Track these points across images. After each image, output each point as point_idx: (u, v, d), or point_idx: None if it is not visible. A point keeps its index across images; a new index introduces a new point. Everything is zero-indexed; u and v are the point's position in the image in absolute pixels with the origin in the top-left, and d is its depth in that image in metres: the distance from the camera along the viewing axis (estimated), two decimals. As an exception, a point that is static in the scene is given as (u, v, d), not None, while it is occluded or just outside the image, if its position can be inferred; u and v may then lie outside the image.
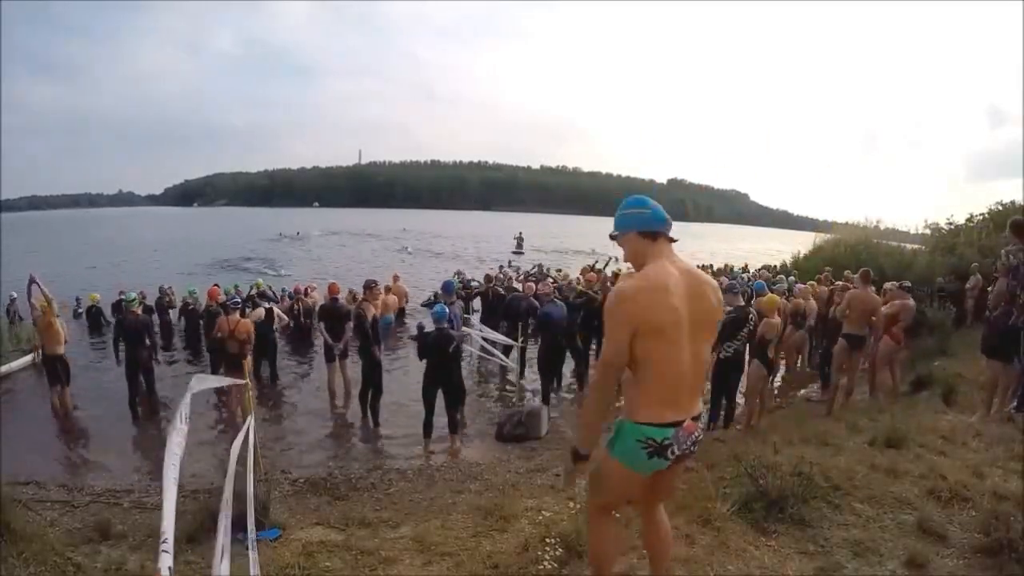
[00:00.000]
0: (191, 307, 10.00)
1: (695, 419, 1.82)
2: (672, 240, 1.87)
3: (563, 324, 7.15)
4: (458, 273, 14.18)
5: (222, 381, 4.07)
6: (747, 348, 5.79)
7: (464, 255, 32.35)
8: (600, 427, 1.89)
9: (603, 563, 2.09)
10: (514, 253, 30.39)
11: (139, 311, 7.31)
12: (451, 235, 47.64)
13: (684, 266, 1.83)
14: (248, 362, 6.27)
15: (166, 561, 1.20)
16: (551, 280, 13.02)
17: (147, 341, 6.99)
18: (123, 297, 10.05)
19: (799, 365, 8.70)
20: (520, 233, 34.33)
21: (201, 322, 9.91)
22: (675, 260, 1.83)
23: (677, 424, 1.77)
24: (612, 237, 1.90)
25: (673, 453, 1.78)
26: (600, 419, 1.86)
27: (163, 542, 1.22)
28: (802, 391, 7.91)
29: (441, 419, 5.94)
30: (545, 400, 7.01)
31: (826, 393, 7.08)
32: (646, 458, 1.78)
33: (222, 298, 8.34)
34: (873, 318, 6.07)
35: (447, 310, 5.90)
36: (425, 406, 5.83)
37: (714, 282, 1.90)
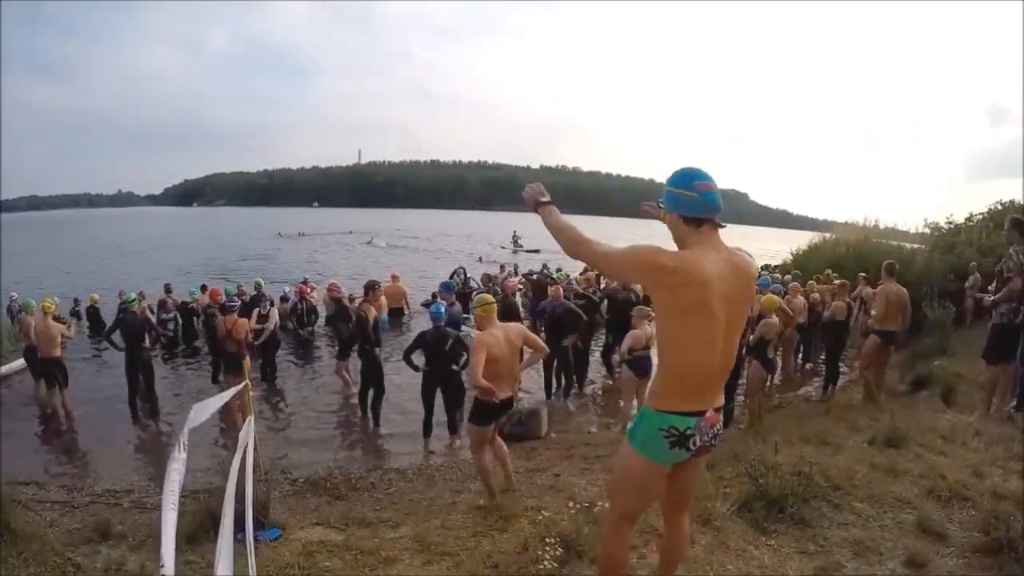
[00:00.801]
0: (189, 307, 10.01)
1: (717, 411, 1.78)
2: (720, 226, 1.74)
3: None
4: (456, 273, 14.14)
5: (222, 400, 3.92)
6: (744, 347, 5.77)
7: (438, 250, 32.30)
8: (554, 224, 1.86)
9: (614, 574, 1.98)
10: (516, 251, 30.08)
11: (138, 311, 7.32)
12: (452, 234, 47.61)
13: (728, 256, 1.73)
14: (247, 362, 6.27)
15: None
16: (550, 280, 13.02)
17: (147, 341, 7.01)
18: (123, 299, 10.05)
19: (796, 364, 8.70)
20: (516, 231, 33.66)
21: (196, 319, 9.94)
22: (719, 248, 1.73)
23: (700, 414, 1.73)
24: (660, 206, 1.80)
25: (695, 444, 1.74)
26: (556, 225, 1.85)
27: (162, 567, 1.20)
28: (801, 390, 7.91)
29: (441, 418, 5.95)
30: (566, 394, 7.35)
31: (827, 393, 7.07)
32: (667, 448, 1.73)
33: (222, 298, 8.36)
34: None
35: (444, 309, 5.92)
36: (424, 406, 5.85)
37: (752, 268, 1.79)
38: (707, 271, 1.64)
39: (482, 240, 40.19)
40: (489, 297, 4.09)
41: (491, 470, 3.92)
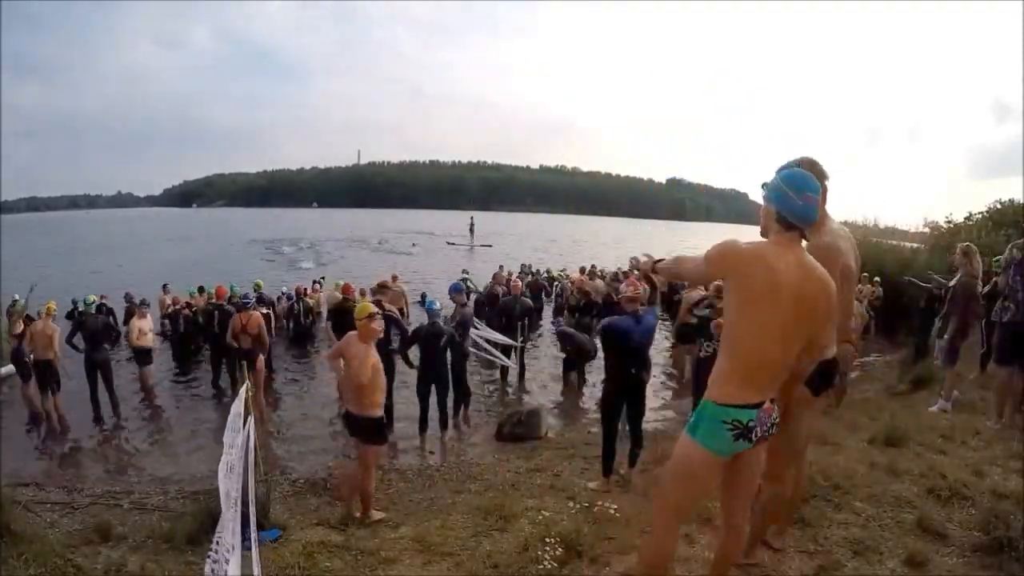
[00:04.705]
0: (189, 308, 9.96)
1: (772, 401, 1.81)
2: (804, 238, 1.81)
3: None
4: (465, 272, 14.03)
5: (241, 402, 3.87)
6: None
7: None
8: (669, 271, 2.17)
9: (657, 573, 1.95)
10: (450, 243, 28.83)
11: (97, 313, 7.45)
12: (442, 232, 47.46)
13: (804, 262, 1.76)
14: (260, 360, 6.34)
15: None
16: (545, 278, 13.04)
17: (106, 343, 7.06)
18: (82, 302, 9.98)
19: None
20: (472, 218, 32.46)
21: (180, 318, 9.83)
22: (797, 252, 1.77)
23: (759, 405, 1.76)
24: (763, 186, 1.86)
25: (756, 435, 1.77)
26: (670, 271, 2.16)
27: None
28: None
29: (438, 415, 6.02)
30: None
31: None
32: (732, 440, 1.76)
33: (229, 295, 8.40)
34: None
35: (439, 305, 5.99)
36: (419, 402, 5.91)
37: (831, 285, 1.79)
38: (776, 265, 1.69)
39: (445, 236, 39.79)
40: (372, 308, 3.78)
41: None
